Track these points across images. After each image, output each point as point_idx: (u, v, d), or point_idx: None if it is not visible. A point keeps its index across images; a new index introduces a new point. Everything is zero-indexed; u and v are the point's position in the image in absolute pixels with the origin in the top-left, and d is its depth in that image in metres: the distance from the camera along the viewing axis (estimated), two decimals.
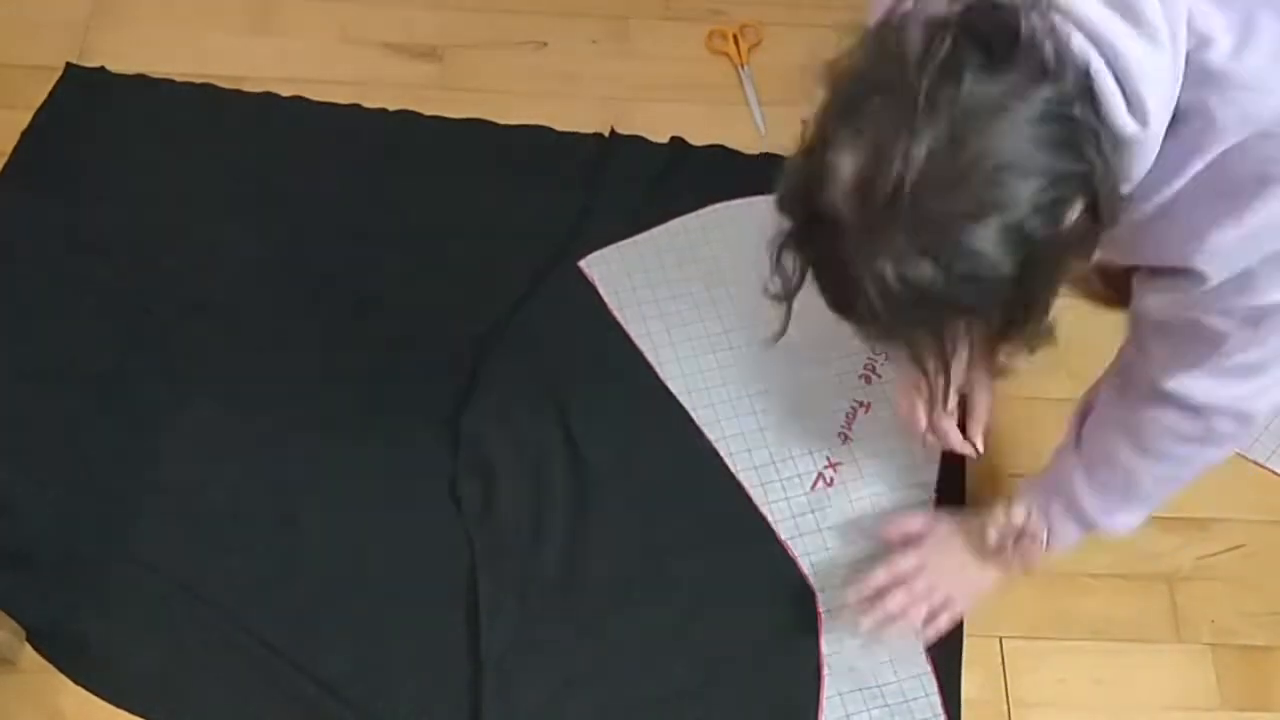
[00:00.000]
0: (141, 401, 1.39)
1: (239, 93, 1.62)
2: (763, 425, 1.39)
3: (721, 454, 1.38)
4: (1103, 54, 0.76)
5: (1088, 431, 1.14)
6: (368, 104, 1.62)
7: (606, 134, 1.60)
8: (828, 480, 1.37)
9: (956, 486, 1.37)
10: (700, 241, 1.52)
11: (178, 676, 1.25)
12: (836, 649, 1.27)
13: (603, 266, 1.50)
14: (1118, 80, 0.77)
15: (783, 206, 0.83)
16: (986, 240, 0.75)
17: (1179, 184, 0.84)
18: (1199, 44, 0.80)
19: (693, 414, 1.40)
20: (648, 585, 1.30)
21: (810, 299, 1.49)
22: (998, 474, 1.39)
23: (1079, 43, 0.76)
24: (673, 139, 1.60)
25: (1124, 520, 1.13)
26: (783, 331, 0.94)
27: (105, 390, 1.39)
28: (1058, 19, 0.76)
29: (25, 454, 1.36)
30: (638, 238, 1.52)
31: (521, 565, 1.30)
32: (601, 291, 1.48)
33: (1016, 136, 0.74)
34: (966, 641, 1.28)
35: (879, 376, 1.43)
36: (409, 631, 1.27)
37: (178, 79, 1.63)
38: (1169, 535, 1.36)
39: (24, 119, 1.58)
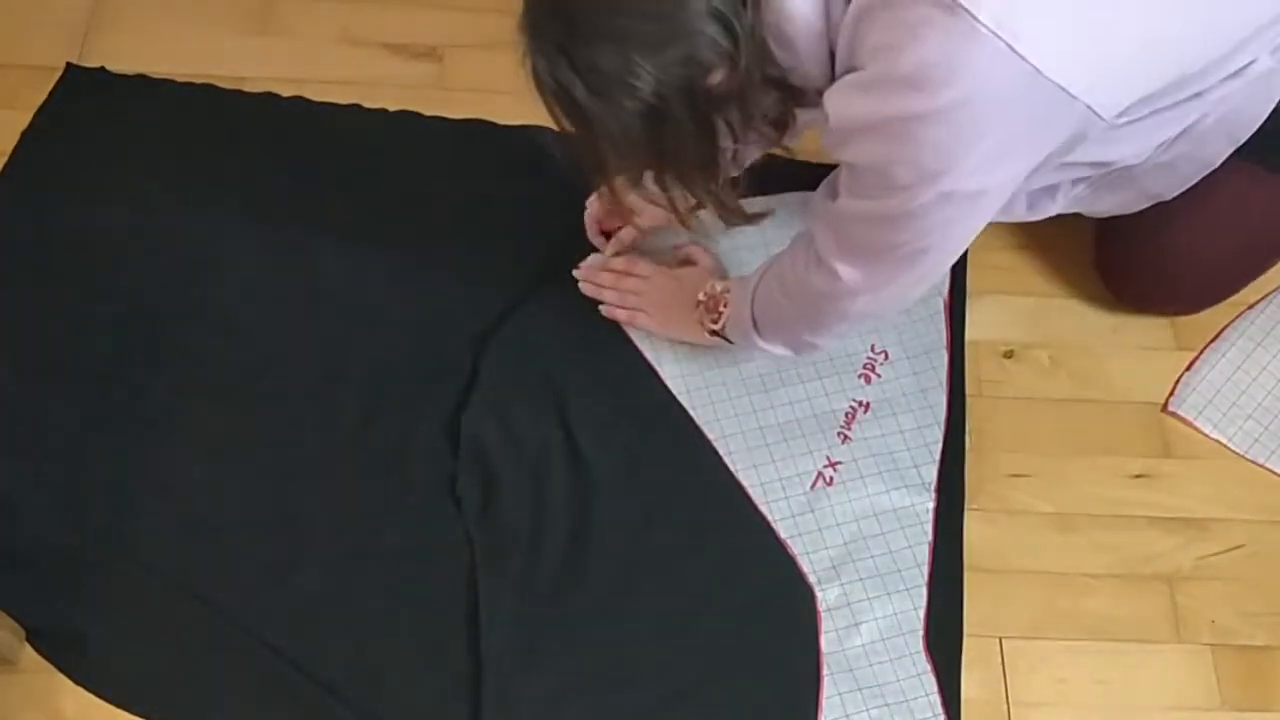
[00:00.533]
0: (142, 401, 1.39)
1: (240, 93, 1.62)
2: (762, 425, 1.39)
3: (721, 453, 1.38)
4: None
5: (767, 268, 1.29)
6: (367, 104, 1.62)
7: None
8: (827, 479, 1.37)
9: (957, 485, 1.37)
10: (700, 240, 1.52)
11: (178, 676, 1.25)
12: (836, 649, 1.27)
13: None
14: None
15: None
16: (615, 63, 0.94)
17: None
18: None
19: (692, 413, 1.40)
20: (647, 586, 1.30)
21: None
22: (997, 473, 1.39)
23: None
24: None
25: (771, 346, 1.31)
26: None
27: (106, 390, 1.39)
28: None
29: (26, 454, 1.35)
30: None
31: (521, 565, 1.30)
32: None
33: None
34: (966, 641, 1.29)
35: (879, 376, 1.43)
36: (409, 632, 1.27)
37: (178, 79, 1.62)
38: (1169, 535, 1.37)
39: (23, 119, 1.58)
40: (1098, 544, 1.36)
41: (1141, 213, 1.34)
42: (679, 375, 1.43)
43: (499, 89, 1.63)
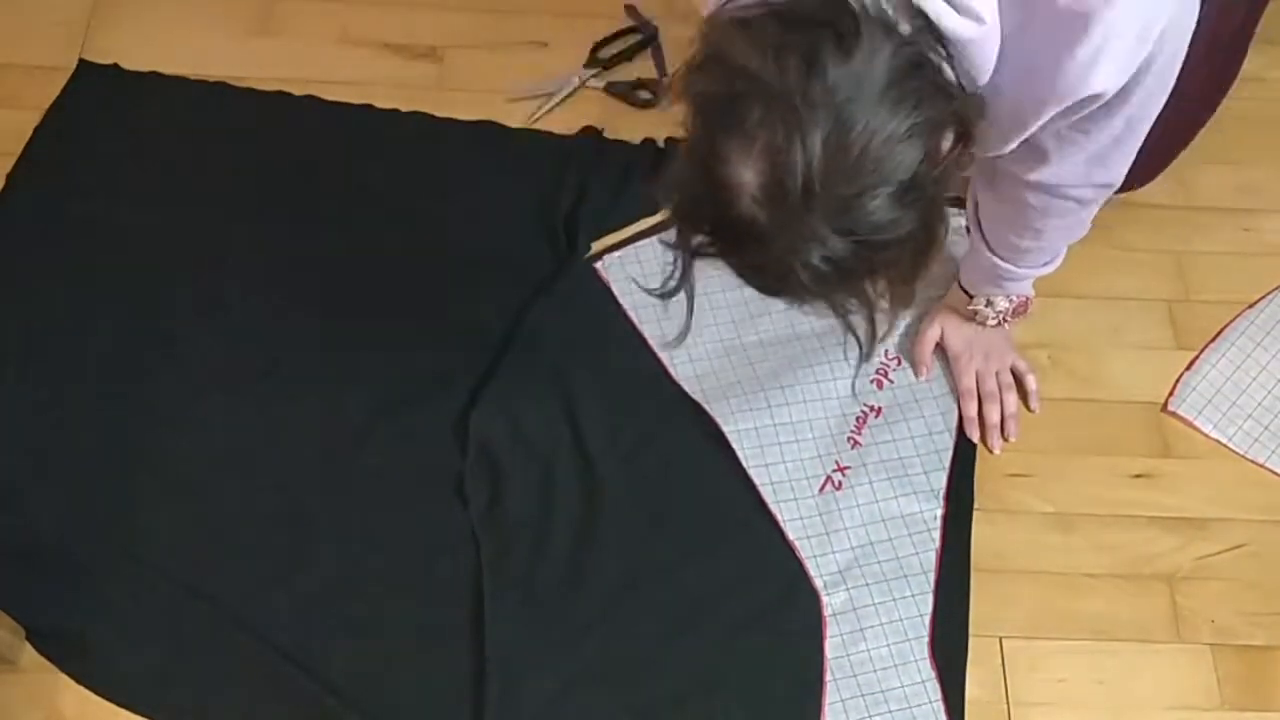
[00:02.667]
0: (147, 399, 1.39)
1: (251, 91, 1.62)
2: (776, 422, 1.39)
3: (735, 449, 1.37)
4: None
5: (988, 230, 1.27)
6: (363, 104, 1.62)
7: (601, 133, 1.60)
8: (836, 484, 1.36)
9: (966, 493, 1.37)
10: None
11: (179, 676, 1.25)
12: (841, 654, 1.27)
13: (617, 267, 1.50)
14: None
15: (687, 220, 0.89)
16: (889, 205, 0.82)
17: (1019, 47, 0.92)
18: None
19: (706, 408, 1.39)
20: (652, 587, 1.30)
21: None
22: (996, 474, 1.39)
23: None
24: (644, 140, 1.60)
25: (1056, 261, 1.30)
26: (686, 332, 1.06)
27: (111, 388, 1.39)
28: None
29: (28, 451, 1.36)
30: (653, 239, 1.52)
31: (527, 565, 1.30)
32: (616, 292, 1.48)
33: (888, 103, 0.80)
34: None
35: (891, 382, 1.42)
36: (413, 631, 1.27)
37: (189, 77, 1.62)
38: (1169, 535, 1.37)
39: (23, 118, 1.58)
40: (1098, 544, 1.36)
41: None
42: (693, 375, 1.42)
43: (499, 89, 1.64)
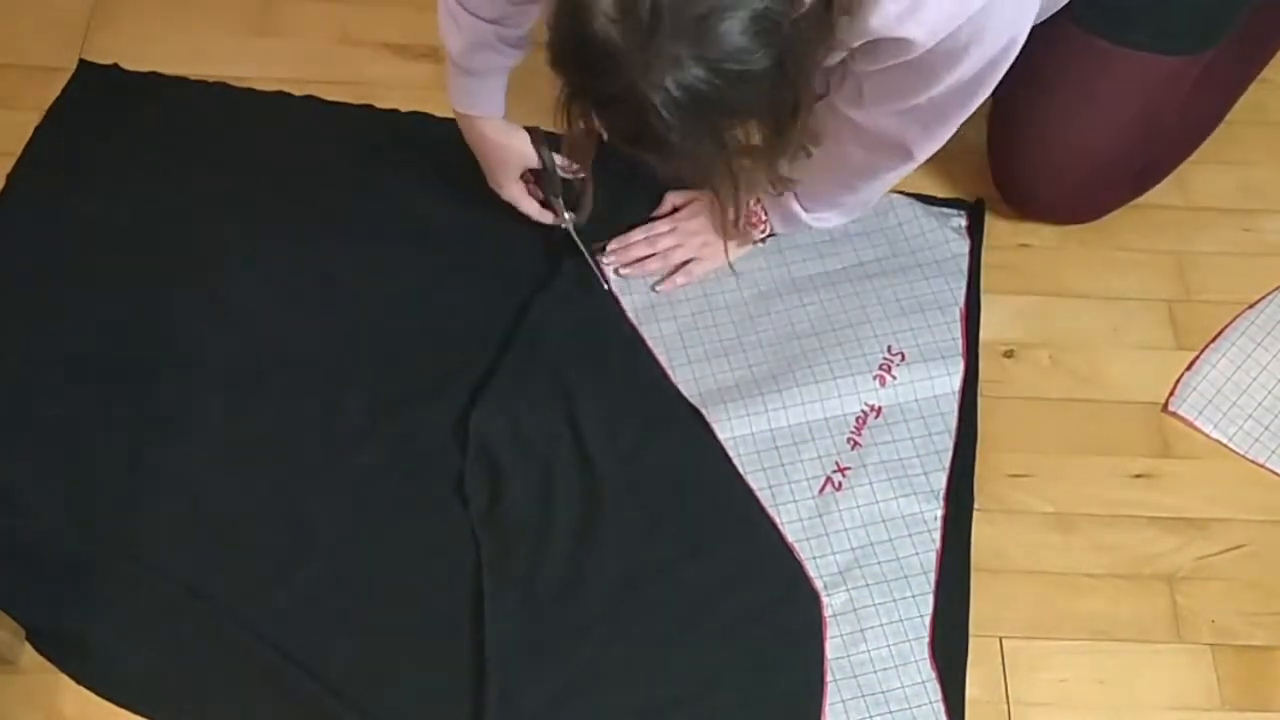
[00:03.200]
0: (148, 399, 1.39)
1: (252, 91, 1.62)
2: (773, 427, 1.39)
3: (730, 455, 1.37)
4: None
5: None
6: (364, 104, 1.62)
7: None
8: (836, 484, 1.36)
9: (966, 494, 1.36)
10: None
11: (179, 676, 1.25)
12: (841, 655, 1.27)
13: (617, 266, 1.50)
14: None
15: (557, 62, 0.91)
16: (741, 33, 0.83)
17: None
18: None
19: (703, 413, 1.39)
20: (653, 588, 1.30)
21: (829, 300, 1.51)
22: (997, 474, 1.39)
23: None
24: None
25: (830, 221, 1.43)
26: (590, 206, 1.16)
27: (111, 388, 1.39)
28: None
29: (29, 451, 1.36)
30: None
31: (527, 566, 1.30)
32: (616, 292, 1.48)
33: None
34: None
35: (894, 378, 1.42)
36: (413, 631, 1.27)
37: (190, 78, 1.62)
38: (1169, 535, 1.37)
39: (23, 118, 1.58)
40: (1098, 544, 1.36)
41: (1029, 104, 1.42)
42: (691, 378, 1.42)
43: None
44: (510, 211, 1.46)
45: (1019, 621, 1.31)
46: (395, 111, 1.61)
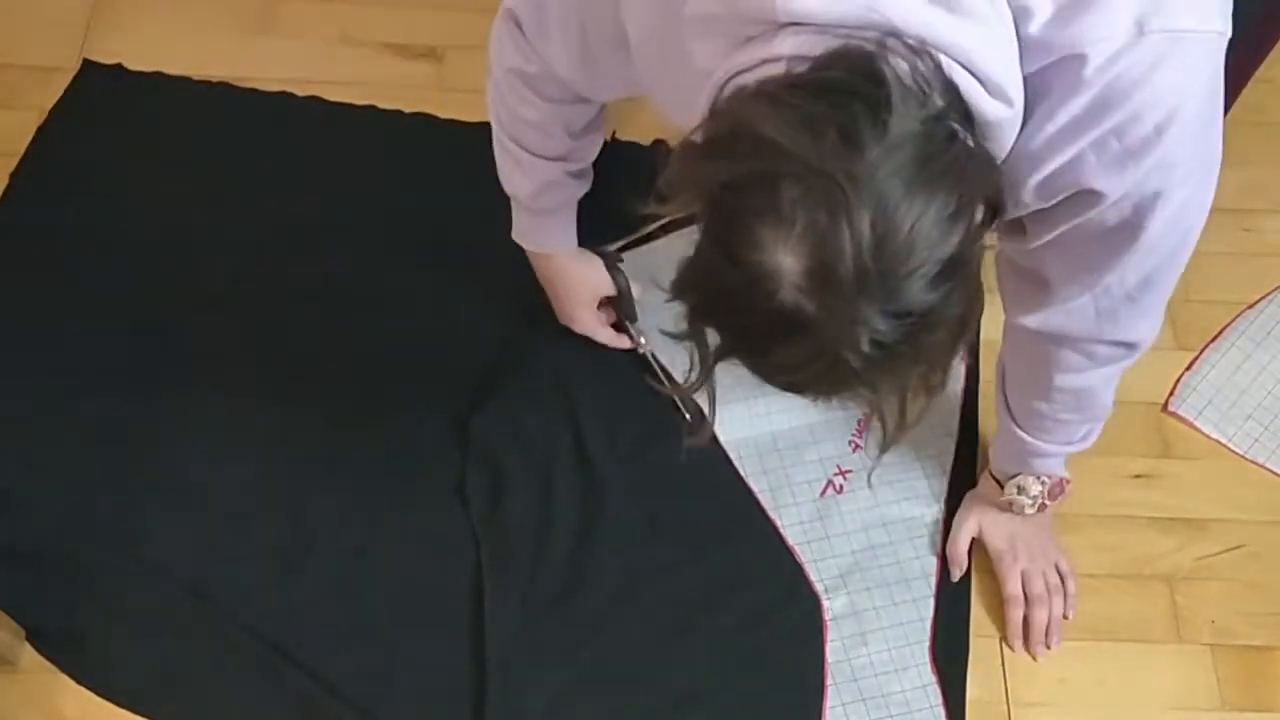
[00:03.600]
0: (149, 400, 1.39)
1: (255, 92, 1.62)
2: (775, 429, 1.39)
3: (732, 458, 1.37)
4: (950, 55, 0.76)
5: (1012, 399, 1.21)
6: (367, 104, 1.62)
7: (610, 136, 1.60)
8: (837, 488, 1.36)
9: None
10: None
11: (179, 676, 1.25)
12: (842, 658, 1.27)
13: (615, 274, 1.48)
14: (971, 73, 0.77)
15: (709, 318, 0.81)
16: (938, 283, 0.76)
17: (1047, 134, 0.86)
18: (1022, 15, 0.81)
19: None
20: (652, 590, 1.30)
21: None
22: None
23: (929, 54, 0.76)
24: (655, 141, 1.60)
25: (1090, 437, 1.23)
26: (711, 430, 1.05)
27: (112, 388, 1.39)
28: (900, 41, 0.75)
29: (29, 451, 1.36)
30: (655, 243, 1.51)
31: (528, 567, 1.30)
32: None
33: (929, 178, 0.74)
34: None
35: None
36: (413, 632, 1.27)
37: (193, 78, 1.62)
38: (1169, 535, 1.37)
39: (23, 118, 1.58)
40: (1098, 544, 1.36)
41: None
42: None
43: None
44: (585, 341, 1.42)
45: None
46: (398, 112, 1.61)
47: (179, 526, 1.32)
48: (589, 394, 1.40)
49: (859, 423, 1.40)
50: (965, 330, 0.83)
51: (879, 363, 0.78)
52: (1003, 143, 0.83)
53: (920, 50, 0.75)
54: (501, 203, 1.54)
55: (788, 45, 0.76)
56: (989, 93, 0.78)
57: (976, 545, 1.33)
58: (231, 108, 1.61)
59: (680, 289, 0.81)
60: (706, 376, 0.88)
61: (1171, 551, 1.36)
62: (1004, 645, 1.30)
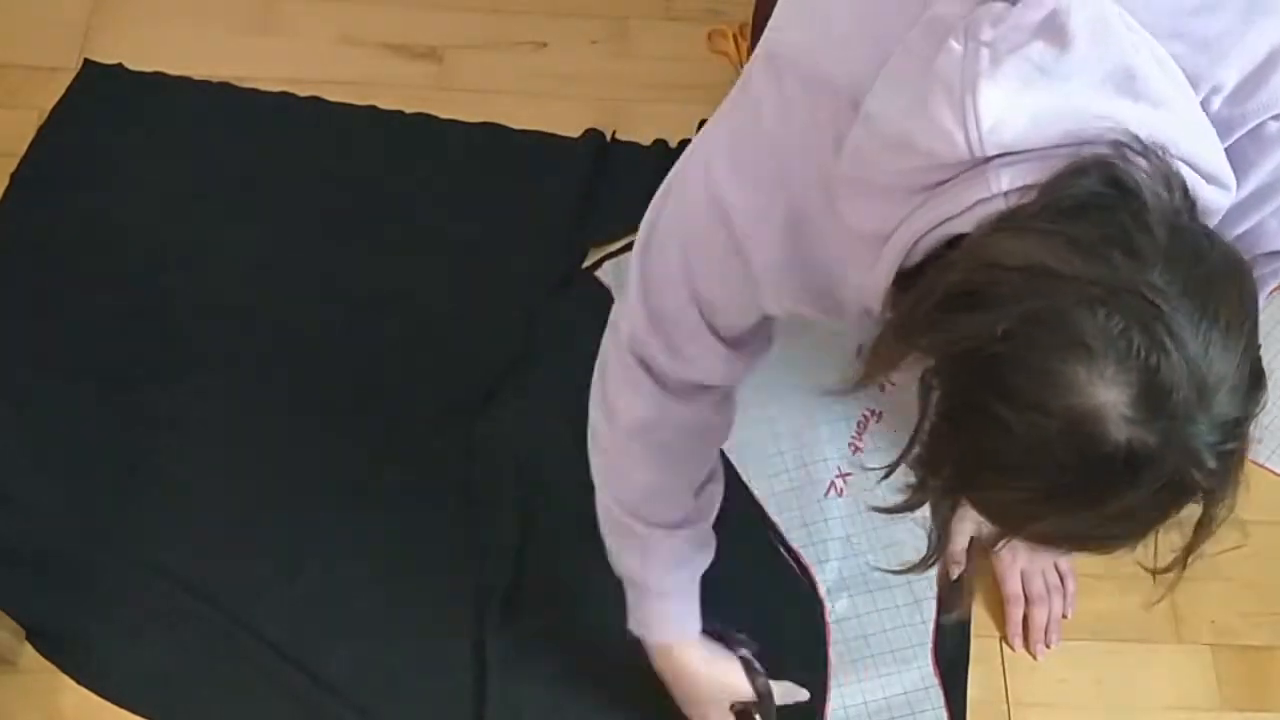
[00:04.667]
0: (148, 400, 1.39)
1: (256, 92, 1.62)
2: (776, 434, 1.39)
3: (734, 462, 1.36)
4: (1171, 150, 0.71)
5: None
6: (367, 104, 1.62)
7: (609, 136, 1.60)
8: (838, 490, 1.36)
9: None
10: None
11: (179, 676, 1.25)
12: (844, 659, 1.27)
13: (617, 272, 1.49)
14: (1187, 164, 0.71)
15: (993, 487, 0.73)
16: (1257, 377, 0.72)
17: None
18: (1212, 93, 0.77)
19: None
20: None
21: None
22: None
23: (1156, 153, 0.69)
24: (655, 142, 1.60)
25: None
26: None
27: (112, 388, 1.39)
28: (1129, 147, 0.69)
29: (29, 451, 1.36)
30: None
31: (529, 569, 1.30)
32: (616, 299, 1.48)
33: (1208, 273, 0.68)
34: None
35: (893, 384, 1.41)
36: (413, 632, 1.27)
37: (193, 78, 1.62)
38: (1169, 535, 1.36)
39: (23, 117, 1.58)
40: None
41: None
42: None
43: (499, 89, 1.64)
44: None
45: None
46: (399, 112, 1.61)
47: (179, 526, 1.32)
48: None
49: (857, 425, 1.40)
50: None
51: (1218, 476, 0.73)
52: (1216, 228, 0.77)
53: (1148, 150, 0.68)
54: (502, 203, 1.55)
55: (1005, 179, 0.69)
56: (1206, 180, 0.72)
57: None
58: (231, 108, 1.61)
59: (934, 464, 0.74)
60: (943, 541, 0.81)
61: (1172, 551, 1.35)
62: (1004, 645, 1.30)
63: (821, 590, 1.31)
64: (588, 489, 1.35)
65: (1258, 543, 1.36)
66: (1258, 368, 0.72)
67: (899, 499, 0.88)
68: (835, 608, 1.30)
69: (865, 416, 1.40)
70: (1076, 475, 0.69)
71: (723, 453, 1.35)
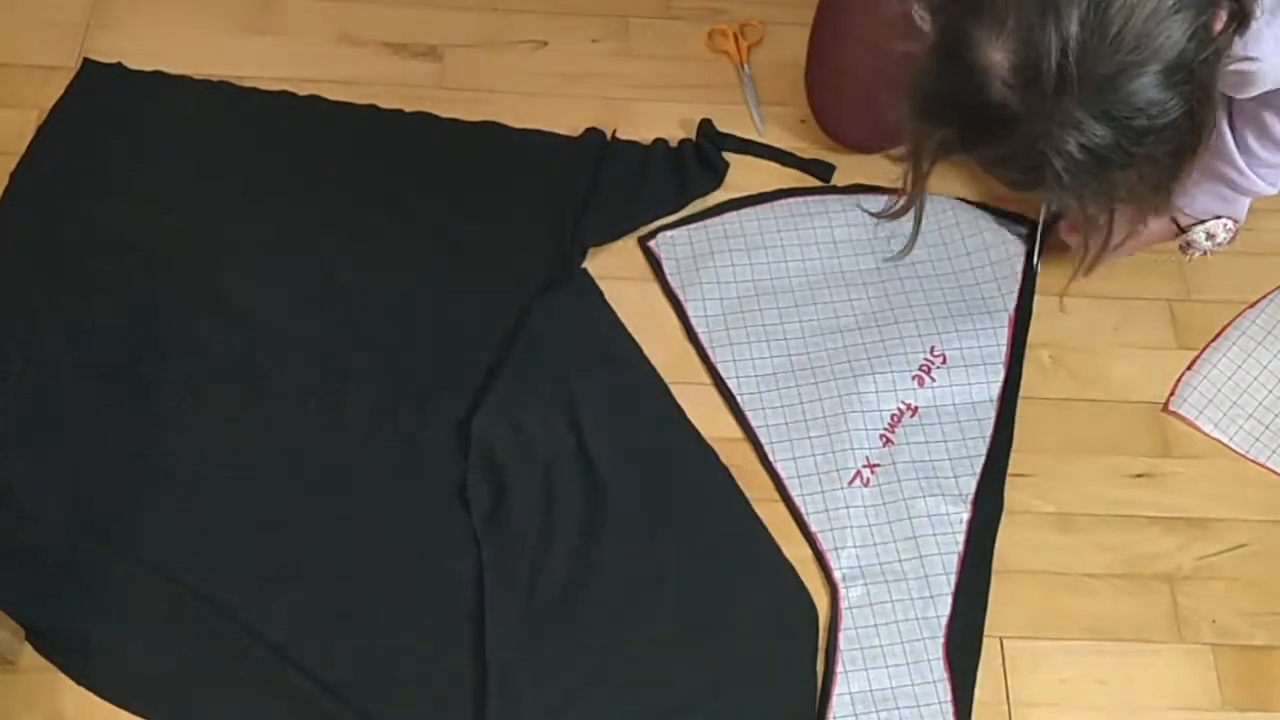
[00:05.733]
0: (149, 400, 1.39)
1: (255, 90, 1.62)
2: (807, 417, 1.39)
3: (762, 441, 1.38)
4: None
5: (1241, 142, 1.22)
6: (367, 103, 1.62)
7: (610, 135, 1.60)
8: (865, 480, 1.36)
9: (995, 501, 1.36)
10: (771, 231, 1.53)
11: (179, 676, 1.24)
12: (854, 647, 1.27)
13: (670, 246, 1.51)
14: None
15: (930, 116, 0.85)
16: (1154, 87, 0.76)
17: None
18: None
19: (739, 398, 1.40)
20: (655, 593, 1.30)
21: (876, 296, 1.43)
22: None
23: None
24: (655, 141, 1.60)
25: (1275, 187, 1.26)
26: (912, 245, 1.07)
27: (113, 388, 1.39)
28: None
29: (30, 450, 1.35)
30: (708, 222, 1.53)
31: (529, 570, 1.30)
32: (666, 271, 1.49)
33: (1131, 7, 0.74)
34: None
35: (933, 380, 1.41)
36: (414, 635, 1.27)
37: (193, 76, 1.62)
38: (1170, 535, 1.36)
39: (23, 117, 1.57)
40: (1098, 544, 1.36)
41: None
42: (730, 360, 1.43)
43: (499, 88, 1.64)
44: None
45: (1019, 621, 1.31)
46: (399, 111, 1.61)
47: (179, 526, 1.32)
48: (591, 396, 1.40)
49: (891, 417, 1.40)
50: (1188, 147, 0.82)
51: (1083, 165, 0.78)
52: None
53: None
54: (502, 203, 1.55)
55: None
56: None
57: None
58: (232, 107, 1.60)
59: (908, 93, 0.85)
60: (920, 180, 0.91)
61: (1172, 551, 1.36)
62: (1004, 645, 1.29)
63: (836, 576, 1.31)
64: (587, 486, 1.35)
65: (1259, 542, 1.36)
66: (1175, 81, 0.77)
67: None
68: (850, 595, 1.30)
69: (901, 410, 1.40)
70: (953, 113, 0.84)
71: (751, 430, 1.38)
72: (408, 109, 1.61)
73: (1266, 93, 1.06)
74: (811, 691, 1.26)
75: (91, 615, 1.26)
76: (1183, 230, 1.29)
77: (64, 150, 1.56)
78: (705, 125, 1.59)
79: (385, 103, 1.62)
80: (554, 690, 1.24)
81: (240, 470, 1.35)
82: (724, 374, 1.42)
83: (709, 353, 1.44)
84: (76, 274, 1.47)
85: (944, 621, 1.29)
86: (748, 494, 1.36)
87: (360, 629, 1.27)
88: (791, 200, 1.56)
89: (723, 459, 1.39)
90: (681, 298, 1.47)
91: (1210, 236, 1.29)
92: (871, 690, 1.25)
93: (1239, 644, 1.30)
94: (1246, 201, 1.28)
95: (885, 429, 1.39)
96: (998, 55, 0.77)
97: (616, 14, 1.72)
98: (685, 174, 1.56)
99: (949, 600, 1.30)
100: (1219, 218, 1.29)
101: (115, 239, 1.49)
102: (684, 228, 1.53)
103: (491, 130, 1.60)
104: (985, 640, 1.29)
